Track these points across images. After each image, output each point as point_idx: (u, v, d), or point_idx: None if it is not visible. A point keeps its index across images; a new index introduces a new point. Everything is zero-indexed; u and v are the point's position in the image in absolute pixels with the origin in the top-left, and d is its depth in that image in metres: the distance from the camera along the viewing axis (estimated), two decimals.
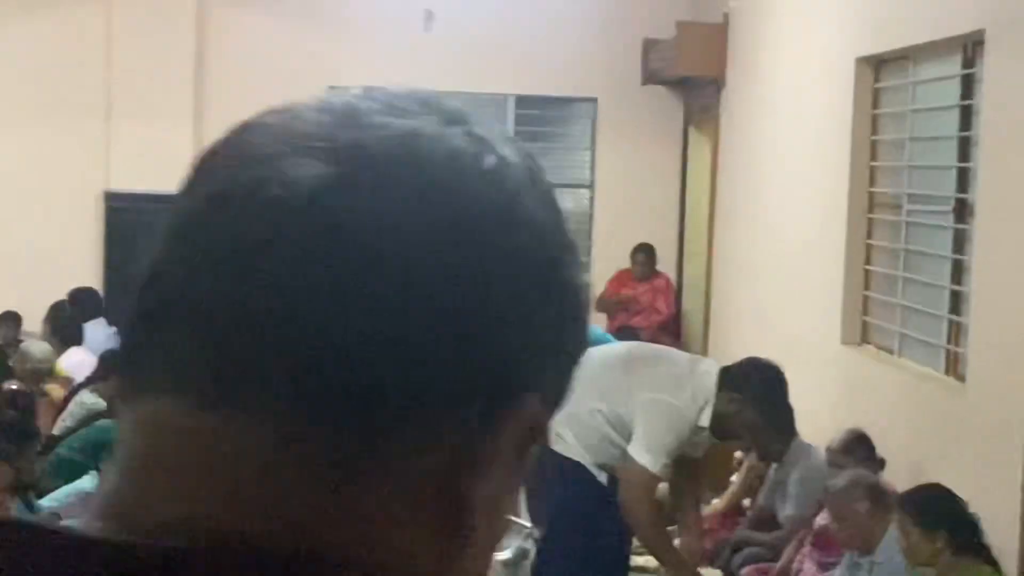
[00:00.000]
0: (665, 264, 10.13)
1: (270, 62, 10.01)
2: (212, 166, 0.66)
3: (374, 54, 10.08)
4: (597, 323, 8.92)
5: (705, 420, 4.75)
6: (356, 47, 10.09)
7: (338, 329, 0.61)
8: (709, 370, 4.86)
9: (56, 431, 6.44)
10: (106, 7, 9.83)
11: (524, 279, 0.65)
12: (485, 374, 0.63)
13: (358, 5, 10.10)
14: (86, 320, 8.20)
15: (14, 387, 6.78)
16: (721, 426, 4.81)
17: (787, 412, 5.31)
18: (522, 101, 10.42)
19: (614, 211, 10.38)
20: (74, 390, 6.79)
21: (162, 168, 9.92)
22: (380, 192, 0.63)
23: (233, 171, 0.64)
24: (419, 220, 0.63)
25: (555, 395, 0.68)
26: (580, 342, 0.69)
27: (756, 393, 4.91)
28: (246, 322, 0.61)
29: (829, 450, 5.66)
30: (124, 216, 9.70)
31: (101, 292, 9.27)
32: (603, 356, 4.84)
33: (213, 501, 0.61)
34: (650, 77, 10.09)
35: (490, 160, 0.66)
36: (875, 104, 6.71)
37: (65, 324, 8.11)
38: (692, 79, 9.68)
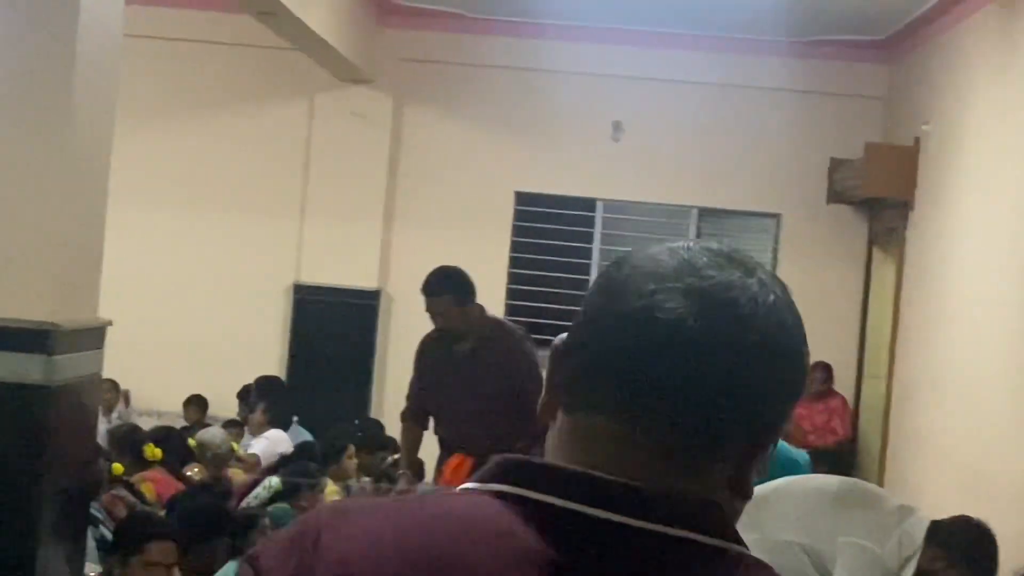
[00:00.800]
0: (842, 384, 9.99)
1: (459, 167, 10.25)
2: (612, 294, 1.18)
3: (561, 162, 10.25)
4: None
5: (908, 574, 4.62)
6: (544, 154, 10.26)
7: (695, 393, 1.13)
8: (918, 523, 4.72)
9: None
10: (308, 108, 10.21)
11: (788, 365, 1.17)
12: (767, 422, 1.17)
13: (548, 113, 10.28)
14: (276, 406, 8.49)
15: (196, 469, 7.01)
16: None
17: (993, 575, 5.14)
18: (705, 213, 10.45)
19: None
20: (263, 473, 6.96)
21: (350, 263, 10.25)
22: (713, 318, 1.14)
23: (630, 299, 1.16)
24: (736, 337, 1.14)
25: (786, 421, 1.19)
26: (801, 390, 1.18)
27: (966, 555, 4.76)
28: (644, 383, 1.14)
29: None
30: (311, 308, 10.02)
31: (284, 380, 9.55)
32: (810, 488, 4.74)
33: (623, 471, 1.13)
34: (835, 196, 10.03)
35: (771, 298, 1.17)
36: None
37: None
38: (879, 200, 9.60)
